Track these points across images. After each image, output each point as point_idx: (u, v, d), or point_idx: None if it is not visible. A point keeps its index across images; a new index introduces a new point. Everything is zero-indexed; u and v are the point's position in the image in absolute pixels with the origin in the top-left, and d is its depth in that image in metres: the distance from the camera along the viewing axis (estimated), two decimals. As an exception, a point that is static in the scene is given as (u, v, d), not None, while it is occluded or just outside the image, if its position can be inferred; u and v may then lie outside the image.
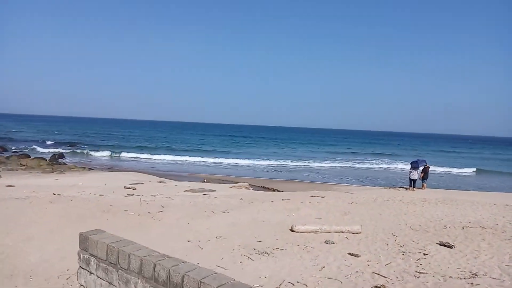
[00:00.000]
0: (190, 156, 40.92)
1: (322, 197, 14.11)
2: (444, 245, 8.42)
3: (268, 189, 23.09)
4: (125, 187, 15.39)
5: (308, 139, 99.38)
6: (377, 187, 23.41)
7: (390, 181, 28.58)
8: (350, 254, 7.73)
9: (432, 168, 36.09)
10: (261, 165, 37.45)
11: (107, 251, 4.48)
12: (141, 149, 48.48)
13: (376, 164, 42.97)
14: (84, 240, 4.81)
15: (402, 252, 7.95)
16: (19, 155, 31.59)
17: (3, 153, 34.55)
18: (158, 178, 22.06)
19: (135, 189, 15.17)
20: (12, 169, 23.19)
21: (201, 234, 8.87)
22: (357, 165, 40.86)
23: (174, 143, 61.95)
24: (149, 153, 42.77)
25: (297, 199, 13.43)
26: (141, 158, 38.81)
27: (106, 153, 41.51)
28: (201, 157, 41.60)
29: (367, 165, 41.39)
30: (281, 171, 33.19)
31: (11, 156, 30.63)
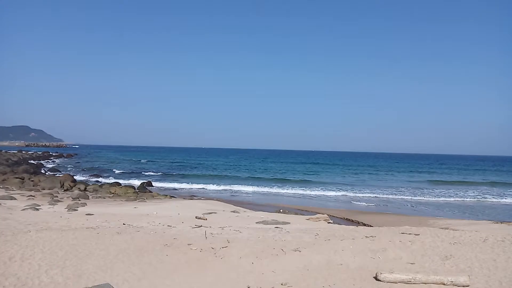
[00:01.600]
0: (272, 187, 39.96)
1: (415, 234, 11.83)
2: None
3: (351, 221, 20.94)
4: (196, 217, 14.78)
5: (404, 166, 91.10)
6: (484, 221, 19.78)
7: (500, 214, 24.23)
8: (457, 319, 5.74)
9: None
10: (348, 196, 34.68)
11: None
12: (221, 178, 49.20)
13: (483, 193, 37.40)
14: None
15: (537, 321, 5.71)
16: (111, 183, 33.71)
17: (98, 181, 37.34)
18: (233, 207, 21.35)
19: (206, 219, 14.46)
20: (100, 197, 24.45)
21: (264, 279, 7.54)
22: (460, 195, 35.88)
23: (254, 171, 62.04)
24: (229, 183, 43.03)
25: (384, 237, 11.39)
26: (222, 187, 38.95)
27: (189, 181, 42.70)
28: (279, 186, 40.53)
29: (470, 194, 36.21)
30: (368, 203, 30.35)
31: (104, 184, 32.80)
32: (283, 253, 9.35)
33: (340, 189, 39.26)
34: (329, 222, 15.93)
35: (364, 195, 34.80)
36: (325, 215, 16.84)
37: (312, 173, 62.17)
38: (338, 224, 17.33)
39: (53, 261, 8.00)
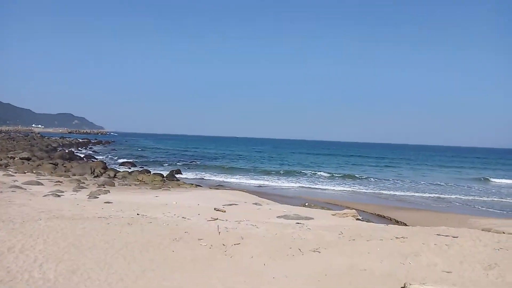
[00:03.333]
0: (301, 179, 38.93)
1: (454, 237, 10.54)
2: None
3: (383, 217, 19.65)
4: (215, 209, 14.12)
5: (448, 161, 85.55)
6: (534, 223, 17.85)
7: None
8: None
9: None
10: (383, 190, 32.78)
11: None
12: (252, 169, 48.59)
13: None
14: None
15: None
16: (140, 171, 33.85)
17: (130, 169, 37.72)
18: (257, 198, 20.54)
19: (225, 211, 13.77)
20: (126, 184, 24.38)
21: (275, 285, 6.69)
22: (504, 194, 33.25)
23: (286, 162, 61.06)
24: (259, 173, 42.43)
25: (417, 238, 10.20)
26: (251, 178, 38.28)
27: (219, 171, 42.44)
28: (308, 178, 39.43)
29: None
30: (404, 198, 28.62)
31: (133, 171, 32.97)
32: (300, 253, 8.46)
33: (374, 183, 37.54)
34: (357, 219, 14.79)
35: (399, 191, 32.78)
36: (354, 210, 15.69)
37: (347, 165, 60.31)
38: (368, 220, 16.15)
39: (52, 254, 7.53)
